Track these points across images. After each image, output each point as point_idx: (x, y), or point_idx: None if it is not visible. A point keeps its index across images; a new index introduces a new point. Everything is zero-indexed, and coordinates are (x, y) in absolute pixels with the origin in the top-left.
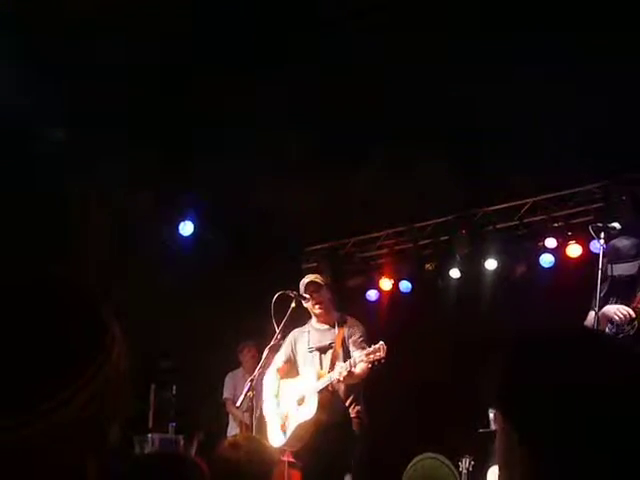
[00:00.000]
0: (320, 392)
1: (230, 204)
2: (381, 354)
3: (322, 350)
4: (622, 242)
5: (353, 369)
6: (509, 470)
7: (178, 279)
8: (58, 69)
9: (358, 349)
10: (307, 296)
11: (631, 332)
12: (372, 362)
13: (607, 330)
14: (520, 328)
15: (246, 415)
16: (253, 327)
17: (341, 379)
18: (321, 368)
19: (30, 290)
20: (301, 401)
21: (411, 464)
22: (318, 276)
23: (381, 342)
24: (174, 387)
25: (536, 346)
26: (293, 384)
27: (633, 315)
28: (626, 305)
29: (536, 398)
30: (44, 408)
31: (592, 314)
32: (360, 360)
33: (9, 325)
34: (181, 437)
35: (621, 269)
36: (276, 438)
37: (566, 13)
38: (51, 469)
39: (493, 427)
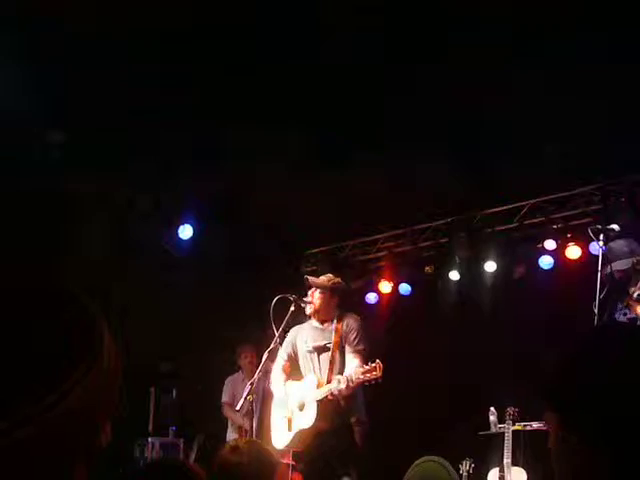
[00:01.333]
0: (319, 401)
1: (230, 207)
2: (377, 373)
3: (319, 351)
4: (616, 242)
5: (350, 384)
6: (566, 473)
7: (178, 282)
8: (58, 69)
9: (352, 352)
10: (307, 299)
11: None
12: (369, 381)
13: None
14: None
15: (245, 419)
16: (253, 330)
17: (336, 393)
18: (320, 371)
19: (18, 292)
20: (302, 407)
21: (411, 467)
22: (331, 278)
23: (377, 361)
24: (174, 391)
25: (590, 347)
26: (295, 387)
27: None
28: (621, 302)
29: (594, 399)
30: (33, 410)
31: None
32: (357, 378)
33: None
34: (181, 441)
35: (616, 265)
36: (280, 438)
37: (566, 15)
38: (40, 471)
39: (493, 430)
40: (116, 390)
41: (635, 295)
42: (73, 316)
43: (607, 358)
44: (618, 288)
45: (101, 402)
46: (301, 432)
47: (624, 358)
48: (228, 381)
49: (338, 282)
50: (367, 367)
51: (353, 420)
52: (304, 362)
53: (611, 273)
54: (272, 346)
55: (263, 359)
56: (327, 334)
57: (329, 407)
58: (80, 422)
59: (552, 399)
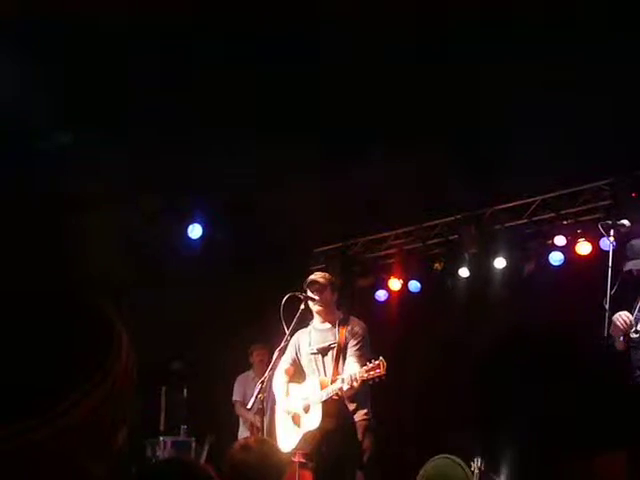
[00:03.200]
0: (324, 401)
1: (238, 206)
2: (381, 371)
3: (323, 352)
4: (638, 240)
5: (355, 383)
6: None
7: (188, 281)
8: (59, 69)
9: (354, 357)
10: (316, 297)
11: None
12: (372, 379)
13: (619, 339)
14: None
15: (256, 417)
16: (262, 329)
17: (340, 394)
18: (324, 372)
19: (36, 294)
20: (307, 409)
21: (426, 464)
22: (324, 275)
23: (381, 358)
24: (185, 389)
25: None
26: (300, 390)
27: (632, 320)
28: (636, 299)
29: None
30: (51, 413)
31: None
32: (360, 377)
33: (16, 330)
34: (192, 440)
35: (632, 264)
36: (287, 442)
37: (566, 12)
38: (58, 474)
39: None
40: (132, 393)
41: None
42: (94, 319)
43: None
44: (629, 283)
45: (120, 403)
46: (308, 434)
47: None
48: (239, 379)
49: (331, 277)
50: (370, 365)
51: (360, 419)
52: (308, 365)
53: (630, 271)
54: (283, 344)
55: (274, 357)
56: (331, 335)
57: (334, 407)
58: (100, 423)
59: None
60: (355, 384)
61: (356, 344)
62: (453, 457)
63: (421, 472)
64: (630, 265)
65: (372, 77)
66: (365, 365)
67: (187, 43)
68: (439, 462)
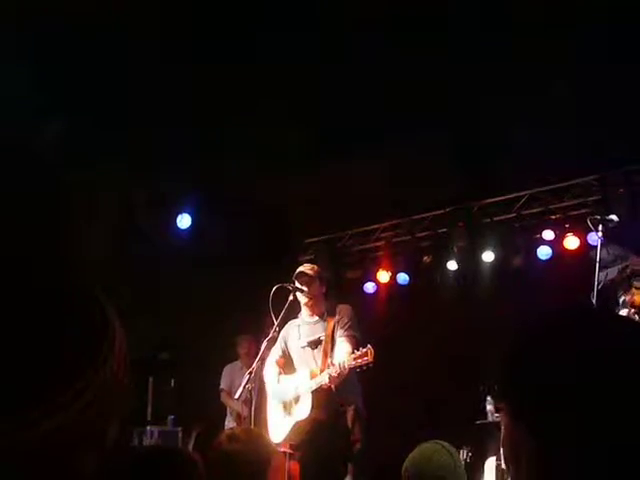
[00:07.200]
0: (314, 391)
1: (228, 197)
2: (369, 359)
3: (313, 345)
4: (602, 253)
5: (343, 370)
6: (518, 465)
7: (176, 271)
8: (59, 66)
9: (344, 337)
10: (305, 289)
11: None
12: (360, 366)
13: None
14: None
15: (244, 407)
16: (251, 319)
17: (329, 383)
18: (315, 364)
19: (27, 288)
20: (297, 399)
21: (413, 451)
22: (313, 267)
23: (369, 346)
24: (173, 379)
25: (545, 335)
26: (290, 381)
27: None
28: (614, 309)
29: (547, 392)
30: (43, 411)
31: None
32: (349, 364)
33: (5, 326)
34: (180, 429)
35: (603, 275)
36: (277, 433)
37: (565, 11)
38: (50, 470)
39: (490, 419)
40: (125, 386)
41: (620, 300)
42: (87, 313)
43: (560, 349)
44: (606, 293)
45: (113, 398)
46: (297, 424)
47: (580, 350)
48: (227, 369)
49: (320, 269)
50: (358, 352)
51: (350, 409)
52: (298, 357)
53: (605, 283)
54: (271, 335)
55: (262, 347)
56: (319, 327)
57: (324, 397)
58: (93, 419)
59: (504, 392)
60: (344, 370)
61: (345, 324)
62: (443, 443)
63: (409, 456)
64: (602, 277)
65: (363, 71)
66: (355, 347)
67: (185, 38)
68: (426, 446)
